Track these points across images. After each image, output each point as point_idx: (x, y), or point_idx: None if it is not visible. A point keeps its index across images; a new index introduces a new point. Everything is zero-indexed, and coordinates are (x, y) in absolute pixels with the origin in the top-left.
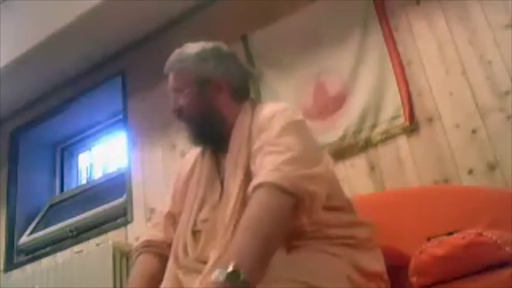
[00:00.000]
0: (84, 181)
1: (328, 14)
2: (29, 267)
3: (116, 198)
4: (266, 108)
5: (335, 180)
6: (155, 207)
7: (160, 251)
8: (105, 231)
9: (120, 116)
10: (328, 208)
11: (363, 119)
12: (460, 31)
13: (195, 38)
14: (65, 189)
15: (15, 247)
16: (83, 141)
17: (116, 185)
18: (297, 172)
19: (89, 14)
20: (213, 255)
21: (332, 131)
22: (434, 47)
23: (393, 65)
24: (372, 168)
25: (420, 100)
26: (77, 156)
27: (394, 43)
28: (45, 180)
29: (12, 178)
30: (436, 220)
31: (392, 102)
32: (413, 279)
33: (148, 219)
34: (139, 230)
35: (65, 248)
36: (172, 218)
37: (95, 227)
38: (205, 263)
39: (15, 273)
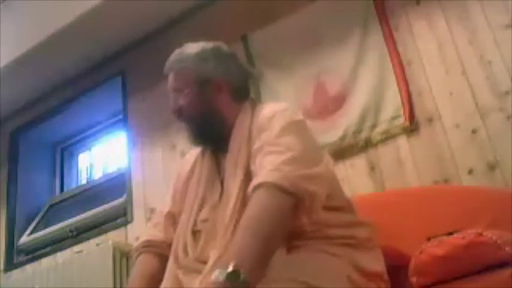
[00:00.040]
0: (84, 181)
1: (328, 14)
2: (29, 267)
3: (116, 198)
4: (266, 108)
5: (335, 180)
6: (155, 207)
7: (160, 251)
8: (105, 231)
9: (120, 116)
10: (328, 208)
11: (363, 119)
12: (460, 31)
13: (195, 38)
14: (65, 189)
15: (15, 247)
16: (83, 141)
17: (116, 185)
18: (297, 172)
19: (89, 14)
20: (213, 255)
21: (332, 131)
22: (434, 47)
23: (393, 65)
24: (372, 168)
25: (420, 100)
26: (77, 156)
27: (394, 43)
28: (45, 180)
29: (12, 178)
30: (436, 220)
31: (392, 102)
32: (413, 279)
33: (148, 219)
34: (139, 230)
35: (65, 248)
36: (172, 218)
37: (95, 227)
38: (205, 262)
39: (15, 273)
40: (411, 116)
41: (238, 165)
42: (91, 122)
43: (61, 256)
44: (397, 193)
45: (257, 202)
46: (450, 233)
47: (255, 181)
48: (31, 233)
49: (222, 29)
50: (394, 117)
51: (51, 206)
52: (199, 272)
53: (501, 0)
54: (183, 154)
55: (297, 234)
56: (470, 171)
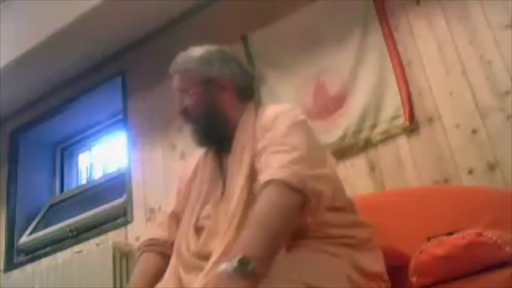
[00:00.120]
0: (84, 181)
1: (328, 14)
2: (29, 267)
3: (116, 198)
4: (269, 109)
5: (337, 181)
6: (155, 207)
7: (163, 250)
8: (105, 231)
9: (120, 116)
10: (330, 208)
11: (363, 119)
12: (460, 31)
13: (195, 38)
14: (65, 189)
15: (15, 247)
16: (83, 141)
17: (116, 185)
18: (305, 171)
19: (89, 14)
20: (215, 252)
21: (332, 131)
22: (434, 47)
23: (393, 65)
24: (372, 168)
25: (420, 100)
26: (77, 156)
27: (394, 43)
28: (45, 180)
29: (12, 178)
30: (436, 220)
31: (392, 102)
32: (413, 279)
33: (148, 219)
34: (140, 230)
35: (65, 248)
36: (176, 218)
37: (95, 227)
38: (206, 258)
39: (15, 273)
40: (411, 116)
41: (242, 164)
42: (91, 122)
43: (61, 256)
44: (397, 193)
45: (267, 198)
46: (450, 233)
47: (264, 177)
48: (31, 233)
49: (222, 29)
50: (394, 117)
51: (51, 206)
52: (200, 269)
53: (501, 0)
54: (183, 154)
55: (297, 234)
56: (470, 171)
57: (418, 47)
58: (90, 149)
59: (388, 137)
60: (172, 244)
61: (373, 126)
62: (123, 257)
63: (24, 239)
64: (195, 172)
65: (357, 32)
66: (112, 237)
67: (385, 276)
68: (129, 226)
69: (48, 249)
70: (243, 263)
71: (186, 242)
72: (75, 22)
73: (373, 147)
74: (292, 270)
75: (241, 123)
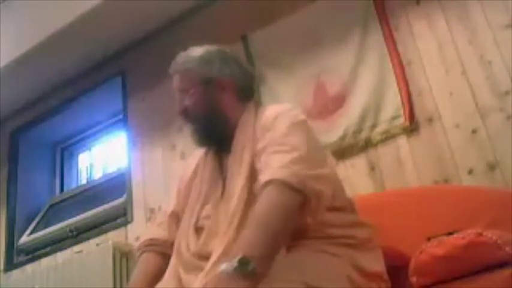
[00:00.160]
0: (84, 181)
1: (328, 14)
2: (29, 267)
3: (116, 198)
4: (269, 109)
5: (337, 181)
6: (155, 207)
7: (163, 250)
8: (105, 231)
9: (120, 116)
10: (330, 208)
11: (363, 119)
12: (460, 31)
13: (195, 38)
14: (65, 189)
15: (15, 247)
16: (83, 141)
17: (116, 185)
18: (305, 171)
19: (89, 14)
20: (215, 252)
21: (332, 131)
22: (434, 47)
23: (393, 65)
24: (372, 168)
25: (420, 100)
26: (77, 156)
27: (394, 43)
28: (45, 180)
29: (12, 178)
30: (436, 220)
31: (392, 102)
32: (413, 279)
33: (148, 219)
34: (140, 230)
35: (65, 248)
36: (176, 218)
37: (95, 227)
38: (206, 258)
39: (15, 273)
40: (411, 116)
41: (242, 164)
42: (91, 122)
43: (61, 256)
44: (397, 193)
45: (267, 198)
46: (450, 233)
47: (264, 177)
48: (31, 233)
49: (222, 29)
50: (394, 117)
51: (51, 206)
52: (200, 269)
53: (501, 0)
54: (183, 154)
55: (297, 234)
56: (470, 171)
57: (418, 47)
58: (90, 149)
59: (388, 137)
60: (172, 244)
61: (373, 126)
62: (123, 257)
63: (24, 239)
64: (195, 172)
65: (357, 32)
66: (112, 237)
67: (385, 276)
68: (129, 226)
69: (48, 249)
70: (243, 263)
71: (186, 242)
72: (75, 22)
73: (373, 147)
74: (292, 270)
75: (241, 123)
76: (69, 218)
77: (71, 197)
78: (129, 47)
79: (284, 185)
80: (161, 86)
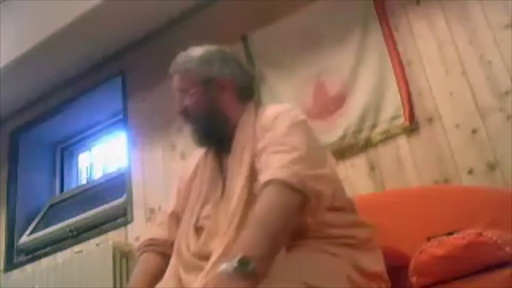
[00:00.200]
0: (84, 181)
1: (328, 14)
2: (29, 267)
3: (116, 198)
4: (269, 109)
5: (337, 181)
6: (155, 207)
7: (163, 250)
8: (105, 231)
9: (120, 116)
10: (331, 208)
11: (363, 119)
12: (460, 31)
13: (195, 38)
14: (65, 189)
15: (15, 247)
16: (83, 141)
17: (116, 185)
18: (305, 171)
19: (89, 14)
20: (215, 252)
21: (332, 131)
22: (434, 47)
23: (393, 65)
24: (372, 168)
25: (420, 100)
26: (77, 156)
27: (394, 43)
28: (45, 180)
29: (12, 178)
30: (436, 220)
31: (393, 102)
32: (413, 279)
33: (149, 219)
34: (140, 230)
35: (65, 248)
36: (176, 218)
37: (95, 227)
38: (206, 258)
39: (15, 273)
40: (411, 116)
41: (242, 164)
42: (91, 122)
43: (61, 256)
44: (397, 193)
45: (267, 198)
46: (450, 233)
47: (264, 177)
48: (31, 233)
49: (222, 29)
50: (394, 117)
51: (51, 206)
52: (200, 269)
53: (501, 0)
54: (183, 154)
55: (297, 234)
56: (470, 171)
57: (418, 47)
58: (90, 149)
59: (388, 137)
60: (172, 244)
61: (373, 126)
62: (123, 257)
63: (24, 239)
64: (195, 172)
65: (357, 32)
66: (112, 237)
67: (385, 276)
68: (129, 226)
69: (48, 249)
70: (243, 263)
71: (186, 242)
72: (75, 22)
73: (373, 147)
74: (292, 270)
75: (241, 123)
76: (69, 218)
77: (71, 197)
78: (129, 47)
79: (284, 185)
80: (161, 86)
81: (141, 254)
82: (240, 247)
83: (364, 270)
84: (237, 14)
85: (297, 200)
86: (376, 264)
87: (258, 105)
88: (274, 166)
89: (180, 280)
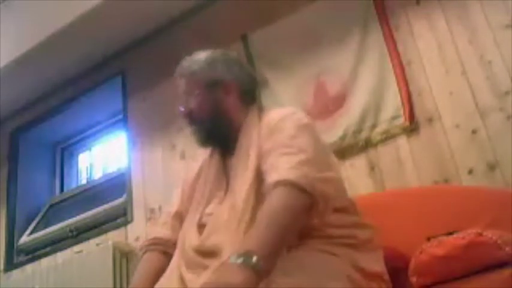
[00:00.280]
0: (84, 181)
1: (328, 14)
2: (29, 267)
3: (116, 198)
4: (273, 112)
5: (340, 182)
6: (155, 207)
7: (165, 249)
8: (105, 231)
9: (120, 116)
10: (333, 209)
11: (363, 119)
12: (460, 31)
13: (195, 38)
14: (65, 189)
15: (15, 247)
16: (83, 141)
17: (116, 185)
18: (314, 173)
19: (89, 14)
20: (225, 252)
21: (332, 131)
22: (434, 47)
23: (393, 65)
24: (372, 168)
25: (420, 100)
26: (77, 156)
27: (394, 43)
28: (45, 180)
29: (12, 178)
30: (436, 220)
31: (393, 102)
32: (414, 279)
33: (149, 219)
34: (140, 230)
35: (65, 248)
36: (179, 218)
37: (95, 227)
38: (208, 254)
39: (15, 273)
40: (411, 116)
41: (248, 164)
42: (91, 122)
43: (61, 256)
44: (397, 193)
45: (276, 199)
46: (450, 233)
47: (273, 178)
48: (31, 233)
49: (222, 29)
50: (394, 117)
51: (51, 206)
52: (202, 266)
53: (501, 0)
54: (183, 154)
55: (298, 234)
56: (470, 171)
57: (418, 47)
58: (90, 149)
59: (388, 137)
60: (175, 243)
61: (373, 126)
62: (123, 257)
63: (24, 239)
64: (199, 173)
65: (357, 32)
66: (112, 237)
67: (386, 277)
68: (129, 226)
69: (48, 249)
70: (248, 256)
71: (189, 239)
72: (75, 22)
73: (373, 147)
74: (292, 269)
75: (245, 126)
76: (69, 218)
77: (71, 197)
78: (129, 47)
79: (293, 186)
80: (161, 86)
81: (144, 253)
82: (249, 246)
83: (364, 270)
84: (237, 14)
85: (305, 202)
86: (376, 264)
87: (261, 108)
88: (283, 167)
89: (181, 278)
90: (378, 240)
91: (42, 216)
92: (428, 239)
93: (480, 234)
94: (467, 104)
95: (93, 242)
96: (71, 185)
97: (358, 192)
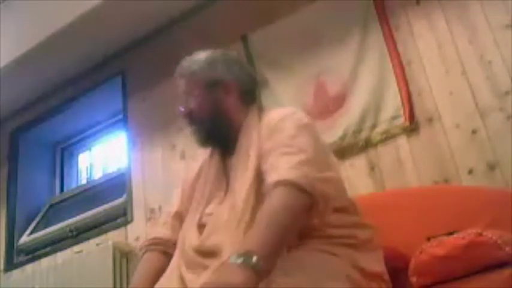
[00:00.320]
0: (84, 181)
1: (328, 14)
2: (29, 267)
3: (116, 198)
4: (273, 112)
5: (340, 182)
6: (155, 207)
7: (166, 249)
8: (105, 231)
9: (120, 116)
10: (333, 209)
11: (363, 119)
12: (460, 31)
13: (195, 38)
14: (65, 189)
15: (15, 247)
16: (83, 141)
17: (116, 185)
18: (314, 173)
19: (89, 14)
20: (225, 251)
21: (332, 131)
22: (434, 47)
23: (393, 65)
24: (372, 168)
25: (420, 100)
26: (77, 156)
27: (394, 43)
28: (45, 180)
29: (12, 178)
30: (436, 220)
31: (393, 102)
32: (414, 279)
33: (149, 219)
34: (140, 230)
35: (65, 248)
36: (179, 218)
37: (95, 227)
38: (208, 254)
39: (15, 273)
40: (411, 116)
41: (248, 164)
42: (91, 122)
43: (61, 256)
44: (397, 193)
45: (276, 199)
46: (450, 233)
47: (273, 178)
48: (31, 233)
49: (222, 29)
50: (394, 117)
51: (51, 206)
52: (202, 266)
53: (501, 0)
54: (183, 154)
55: (298, 234)
56: (470, 171)
57: (418, 47)
58: (90, 149)
59: (388, 137)
60: (175, 243)
61: (373, 126)
62: (123, 257)
63: (24, 239)
64: (199, 173)
65: (357, 32)
66: (112, 237)
67: (386, 277)
68: (129, 226)
69: (48, 249)
70: (248, 256)
71: (189, 239)
72: (75, 22)
73: (373, 147)
74: (292, 269)
75: (245, 126)
76: (69, 218)
77: (71, 197)
78: (129, 47)
79: (293, 186)
80: (161, 86)
81: (144, 253)
82: (249, 246)
83: (364, 270)
84: (237, 14)
85: (305, 202)
86: (376, 264)
87: (261, 108)
88: (283, 167)
89: (181, 278)
90: (378, 240)
91: (42, 216)
92: (428, 239)
93: (480, 234)
94: (467, 104)
95: (93, 242)
96: (71, 185)
97: (358, 192)
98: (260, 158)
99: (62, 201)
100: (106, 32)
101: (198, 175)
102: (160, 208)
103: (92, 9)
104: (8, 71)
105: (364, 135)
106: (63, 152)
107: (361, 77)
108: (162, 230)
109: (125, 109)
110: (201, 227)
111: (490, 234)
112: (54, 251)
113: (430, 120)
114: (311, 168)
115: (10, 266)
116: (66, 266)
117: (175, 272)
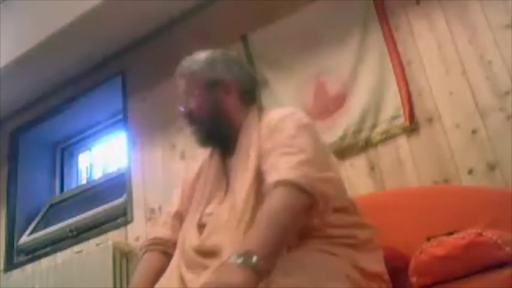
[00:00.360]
0: (84, 181)
1: (328, 14)
2: (29, 267)
3: (116, 198)
4: (273, 112)
5: (340, 182)
6: (155, 207)
7: (166, 249)
8: (105, 231)
9: (120, 116)
10: (333, 209)
11: (363, 119)
12: (460, 31)
13: (195, 38)
14: (65, 189)
15: (15, 247)
16: (83, 141)
17: (116, 185)
18: (314, 173)
19: (89, 14)
20: (225, 252)
21: (332, 131)
22: (434, 47)
23: (393, 65)
24: (372, 168)
25: (420, 100)
26: (77, 156)
27: (394, 43)
28: (45, 180)
29: (12, 178)
30: (436, 220)
31: (393, 102)
32: (414, 279)
33: (149, 219)
34: (140, 230)
35: (65, 248)
36: (179, 218)
37: (95, 227)
38: (208, 254)
39: (15, 273)
40: (411, 116)
41: (248, 164)
42: (91, 122)
43: (61, 256)
44: (397, 193)
45: (276, 199)
46: (450, 233)
47: (273, 178)
48: (31, 233)
49: (222, 29)
50: (394, 117)
51: (51, 206)
52: (202, 266)
53: (501, 0)
54: (183, 154)
55: (298, 234)
56: (470, 171)
57: (418, 47)
58: (90, 149)
59: (388, 137)
60: (175, 243)
61: (373, 126)
62: (123, 257)
63: (24, 239)
64: (199, 173)
65: (357, 32)
66: (112, 237)
67: (386, 277)
68: (129, 226)
69: (48, 249)
70: (248, 256)
71: (189, 239)
72: (75, 22)
73: (373, 147)
74: (292, 269)
75: (245, 126)
76: (69, 218)
77: (71, 197)
78: (129, 47)
79: (293, 186)
80: (161, 86)
81: (144, 253)
82: (249, 246)
83: (364, 270)
84: (237, 14)
85: (305, 202)
86: (376, 264)
87: (261, 108)
88: (283, 167)
89: (181, 278)
90: (378, 240)
91: (42, 216)
92: (428, 239)
93: (480, 234)
94: (467, 104)
95: (93, 242)
96: (71, 185)
97: (358, 192)
98: (260, 158)
99: (62, 201)
100: (106, 32)
101: (198, 175)
102: (160, 208)
103: (92, 9)
104: (8, 71)
105: (364, 135)
106: (63, 152)
107: (361, 77)
108: (162, 230)
109: (124, 109)
110: (201, 227)
111: (490, 234)
112: (54, 251)
113: (430, 120)
114: (311, 168)
115: (10, 266)
116: (66, 266)
117: (175, 272)
